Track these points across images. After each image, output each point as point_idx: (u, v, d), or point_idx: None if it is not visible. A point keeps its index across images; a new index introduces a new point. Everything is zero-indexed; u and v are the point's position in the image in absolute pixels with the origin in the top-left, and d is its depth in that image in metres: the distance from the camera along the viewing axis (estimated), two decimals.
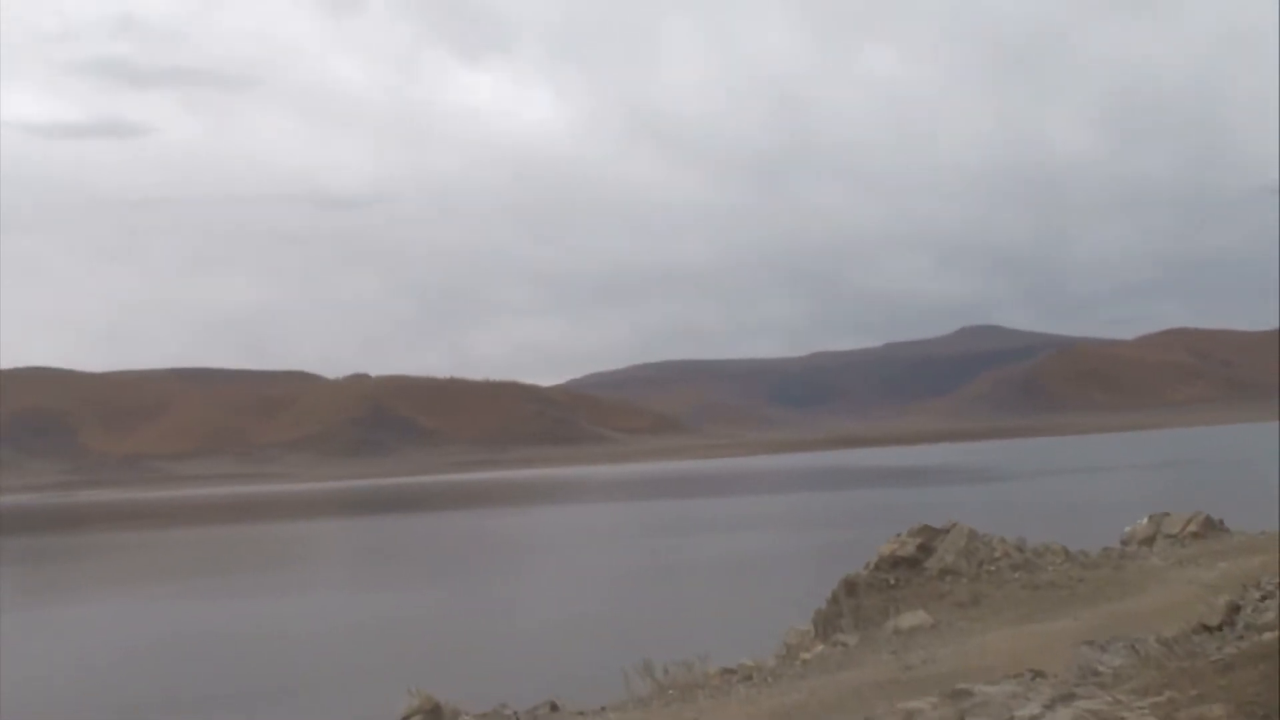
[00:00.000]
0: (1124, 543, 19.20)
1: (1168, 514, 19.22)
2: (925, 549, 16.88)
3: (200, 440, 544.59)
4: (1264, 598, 10.21)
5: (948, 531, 17.03)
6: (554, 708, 9.99)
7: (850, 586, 16.28)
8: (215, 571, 77.78)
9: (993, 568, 16.67)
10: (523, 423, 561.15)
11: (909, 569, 16.63)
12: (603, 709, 10.60)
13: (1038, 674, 9.11)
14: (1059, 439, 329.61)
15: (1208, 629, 9.97)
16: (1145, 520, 19.34)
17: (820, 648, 12.73)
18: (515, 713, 10.87)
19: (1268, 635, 8.71)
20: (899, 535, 17.19)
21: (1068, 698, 7.38)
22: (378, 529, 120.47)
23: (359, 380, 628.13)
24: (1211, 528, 19.22)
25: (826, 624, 16.03)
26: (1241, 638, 9.21)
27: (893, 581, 16.34)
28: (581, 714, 10.50)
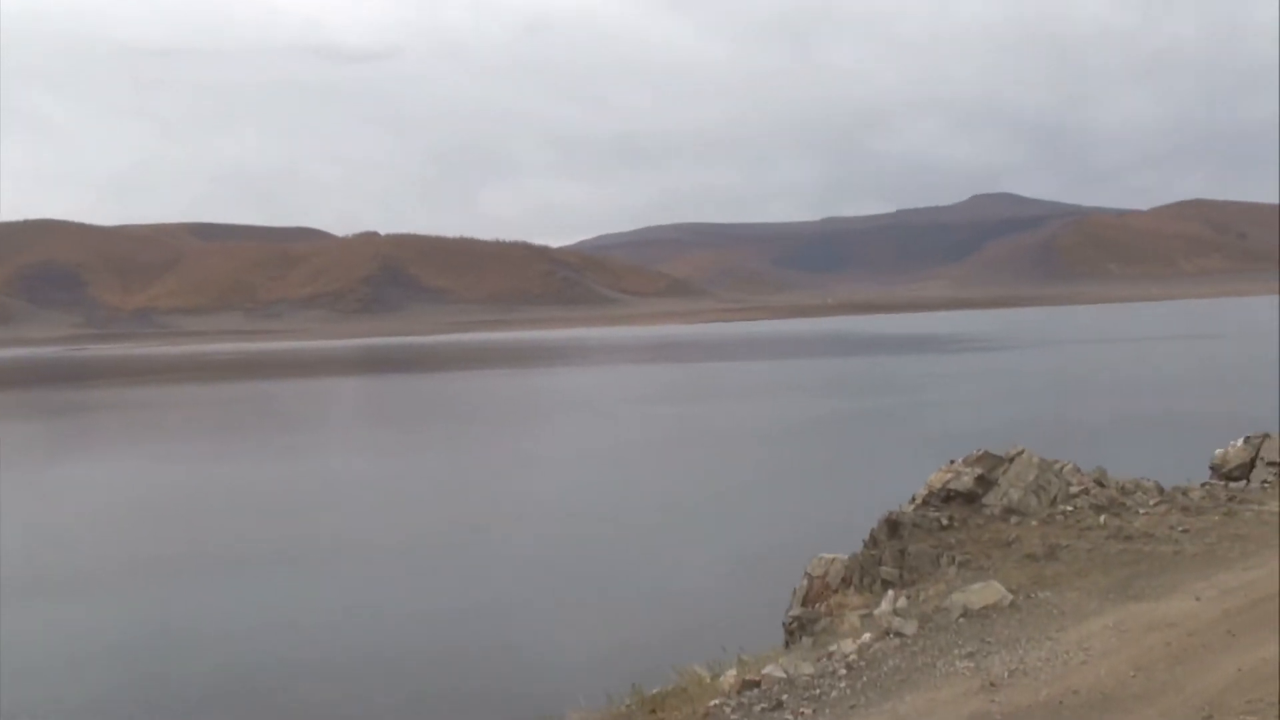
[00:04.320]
0: (1214, 468, 16.34)
1: (1268, 435, 16.24)
2: (985, 481, 13.93)
3: (211, 296, 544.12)
4: None
5: (1012, 460, 14.08)
6: None
7: (893, 526, 13.39)
8: (223, 430, 76.66)
9: (1069, 507, 13.78)
10: (533, 283, 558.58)
11: (965, 506, 13.74)
12: None
13: None
14: (1070, 308, 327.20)
15: None
16: (1240, 443, 16.42)
17: (866, 635, 9.94)
18: None
19: None
20: (952, 463, 14.20)
21: None
22: (386, 390, 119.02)
23: (369, 238, 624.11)
24: None
25: (863, 570, 13.25)
26: None
27: (945, 522, 13.45)
28: None
